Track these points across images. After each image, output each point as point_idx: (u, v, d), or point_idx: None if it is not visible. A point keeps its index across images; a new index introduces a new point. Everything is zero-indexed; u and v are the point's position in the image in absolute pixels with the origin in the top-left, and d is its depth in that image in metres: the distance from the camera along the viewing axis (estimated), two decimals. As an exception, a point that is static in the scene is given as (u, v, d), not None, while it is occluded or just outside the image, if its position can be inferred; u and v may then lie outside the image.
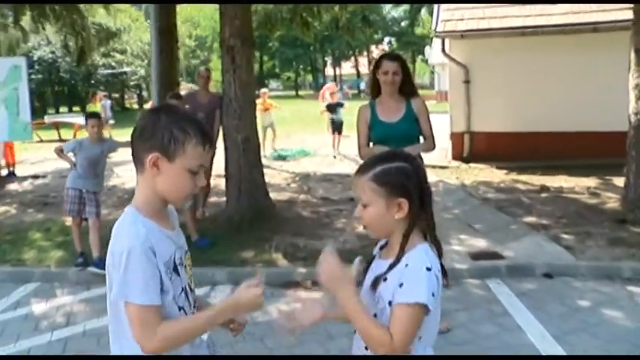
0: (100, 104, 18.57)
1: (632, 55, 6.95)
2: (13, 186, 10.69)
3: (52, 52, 29.17)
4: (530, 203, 7.86)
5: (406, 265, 1.76)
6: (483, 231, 6.61)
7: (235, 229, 6.65)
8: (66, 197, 5.66)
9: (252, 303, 1.74)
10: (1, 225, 7.05)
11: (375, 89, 4.31)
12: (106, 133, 13.25)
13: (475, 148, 11.94)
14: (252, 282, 1.76)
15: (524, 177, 9.84)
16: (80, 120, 16.89)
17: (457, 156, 12.09)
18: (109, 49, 25.54)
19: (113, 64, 31.15)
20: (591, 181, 9.20)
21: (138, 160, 1.72)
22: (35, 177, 11.47)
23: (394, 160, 1.85)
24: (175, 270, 1.73)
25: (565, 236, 6.21)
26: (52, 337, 4.35)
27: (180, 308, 1.73)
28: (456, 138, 12.21)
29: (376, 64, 4.31)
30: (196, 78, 8.04)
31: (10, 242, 6.58)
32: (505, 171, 10.54)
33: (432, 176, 10.30)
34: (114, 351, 1.76)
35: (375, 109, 4.26)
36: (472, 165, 11.40)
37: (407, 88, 4.28)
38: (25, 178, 11.38)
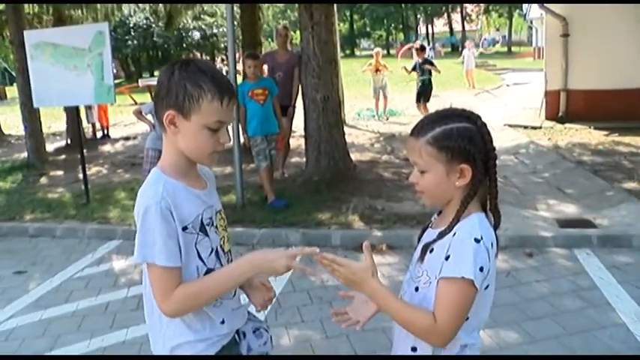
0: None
1: None
2: (106, 147, 11.20)
3: (147, 19, 30.05)
4: (632, 167, 7.22)
5: (454, 234, 1.56)
6: (575, 196, 6.15)
7: (313, 190, 6.58)
8: (145, 157, 5.78)
9: (275, 264, 1.63)
10: (92, 185, 7.35)
11: None
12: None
13: (572, 107, 11.16)
14: (294, 250, 1.67)
15: (626, 138, 9.08)
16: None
17: (552, 116, 11.37)
18: (199, 12, 25.92)
19: (204, 27, 31.69)
20: None
21: (158, 119, 1.68)
22: (127, 139, 11.94)
23: (455, 119, 1.60)
24: (203, 230, 1.67)
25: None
26: (129, 294, 4.48)
27: (209, 270, 1.67)
28: (552, 96, 11.46)
29: None
30: (275, 36, 7.94)
31: (99, 201, 6.86)
32: (604, 132, 9.78)
33: (522, 137, 9.79)
34: (147, 310, 1.73)
35: None
36: (568, 125, 10.69)
37: None
38: (117, 140, 11.88)
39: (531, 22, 39.38)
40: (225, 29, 33.46)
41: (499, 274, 4.37)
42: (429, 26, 59.45)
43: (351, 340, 3.58)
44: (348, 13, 50.27)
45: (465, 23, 55.57)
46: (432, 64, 12.27)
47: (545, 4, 11.42)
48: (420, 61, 12.12)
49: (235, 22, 10.42)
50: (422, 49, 12.59)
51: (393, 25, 57.60)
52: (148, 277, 1.62)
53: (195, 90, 1.59)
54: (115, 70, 8.00)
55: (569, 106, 11.20)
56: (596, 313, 3.80)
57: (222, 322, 1.72)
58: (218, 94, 1.60)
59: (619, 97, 10.52)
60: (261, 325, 1.90)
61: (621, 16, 10.29)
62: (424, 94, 11.90)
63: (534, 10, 24.19)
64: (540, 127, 10.73)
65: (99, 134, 12.19)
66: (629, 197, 5.93)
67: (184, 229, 1.61)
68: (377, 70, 13.29)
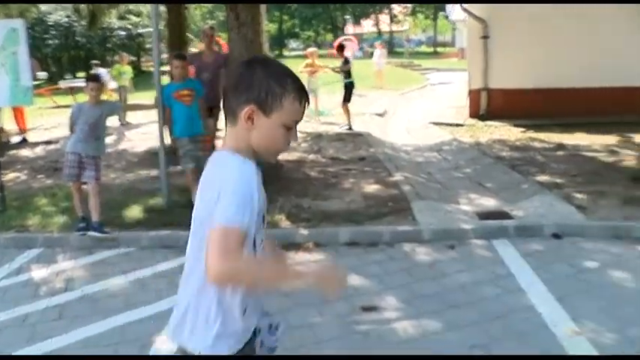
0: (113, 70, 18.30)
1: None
2: (24, 152, 10.73)
3: (68, 17, 28.96)
4: (545, 162, 7.64)
5: None
6: (494, 190, 6.44)
7: (240, 191, 6.56)
8: (65, 162, 5.61)
9: (335, 283, 1.69)
10: (8, 191, 7.04)
11: None
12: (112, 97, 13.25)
13: (492, 105, 11.66)
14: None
15: (541, 135, 9.58)
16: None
17: (474, 114, 11.84)
18: (124, 11, 25.24)
19: (129, 26, 30.88)
20: (610, 139, 8.93)
21: (231, 113, 1.69)
22: (48, 142, 11.48)
23: None
24: (263, 219, 1.73)
25: (578, 195, 6.02)
26: (50, 303, 4.34)
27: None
28: (473, 95, 11.94)
29: None
30: (201, 37, 7.91)
31: (16, 208, 6.58)
32: (522, 129, 10.27)
33: (446, 135, 10.14)
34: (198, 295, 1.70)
35: None
36: (489, 123, 11.15)
37: None
38: (37, 144, 11.41)
39: (455, 24, 40.70)
40: (151, 29, 32.64)
41: (423, 267, 4.56)
42: (357, 27, 60.26)
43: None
44: (277, 14, 50.23)
45: (393, 24, 56.69)
46: (345, 63, 11.75)
47: (465, 7, 11.87)
48: (342, 60, 11.78)
49: (162, 22, 10.28)
50: (341, 48, 12.45)
51: (321, 25, 58.01)
52: (213, 237, 1.55)
53: (280, 89, 1.64)
54: (34, 71, 7.61)
55: (490, 104, 11.70)
56: (511, 299, 4.02)
57: (246, 312, 1.74)
58: (299, 94, 1.67)
59: (536, 95, 11.09)
60: (274, 321, 1.92)
61: (537, 19, 10.82)
62: (346, 94, 11.61)
63: (457, 12, 25.00)
64: (463, 125, 11.13)
65: (17, 139, 11.65)
66: (542, 189, 6.27)
67: (258, 212, 1.65)
68: (313, 71, 13.12)
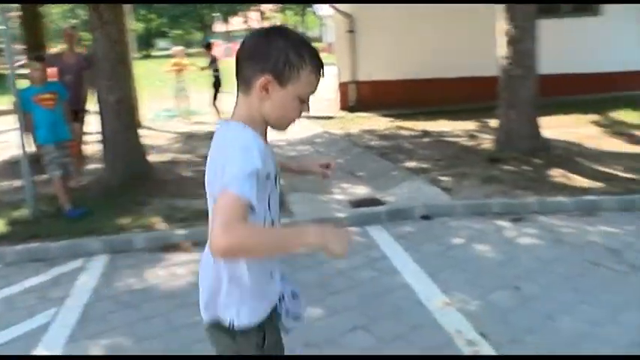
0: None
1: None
2: None
3: None
4: (412, 148, 8.06)
5: None
6: (365, 178, 6.69)
7: (112, 195, 6.33)
8: None
9: (341, 242, 1.52)
10: None
11: None
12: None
13: (361, 97, 12.09)
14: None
15: (407, 123, 10.07)
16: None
17: (344, 106, 12.20)
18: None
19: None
20: (470, 125, 9.58)
21: (244, 82, 1.64)
22: None
23: None
24: (278, 183, 1.73)
25: (443, 178, 6.42)
26: None
27: (273, 221, 1.73)
28: (342, 88, 12.29)
29: None
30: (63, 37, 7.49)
31: None
32: (390, 119, 10.74)
33: (317, 127, 10.36)
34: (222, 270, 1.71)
35: None
36: (358, 114, 11.53)
37: None
38: None
39: (322, 20, 41.53)
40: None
41: (300, 256, 4.65)
42: (226, 25, 59.73)
43: (164, 339, 3.56)
44: (144, 12, 48.46)
45: (263, 21, 56.78)
46: (213, 62, 11.82)
47: (333, 4, 12.20)
48: (210, 59, 11.83)
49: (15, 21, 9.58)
50: (208, 46, 12.41)
51: (190, 24, 56.83)
52: (218, 206, 1.46)
53: (298, 60, 1.60)
54: None
55: (359, 96, 12.12)
56: (387, 280, 4.23)
57: (273, 276, 1.79)
58: (317, 66, 1.63)
59: (402, 86, 11.65)
60: (295, 288, 1.91)
61: (402, 12, 11.34)
62: (214, 92, 11.63)
63: (325, 9, 25.61)
64: (334, 117, 11.43)
65: None
66: (410, 175, 6.63)
67: (267, 176, 1.62)
68: (179, 70, 13.02)
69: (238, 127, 1.64)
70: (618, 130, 8.75)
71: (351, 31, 11.97)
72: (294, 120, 1.71)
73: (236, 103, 1.71)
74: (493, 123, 8.18)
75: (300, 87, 1.63)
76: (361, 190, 6.20)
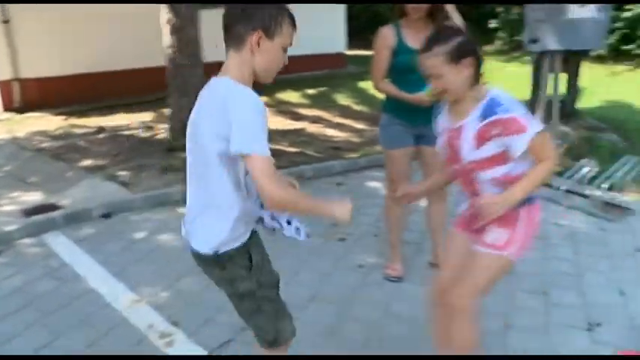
0: None
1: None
2: None
3: None
4: (87, 146, 7.70)
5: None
6: (39, 184, 6.19)
7: None
8: None
9: (345, 210, 1.98)
10: None
11: (400, 9, 3.55)
12: None
13: (27, 96, 10.97)
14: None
15: (81, 121, 9.56)
16: None
17: (8, 107, 10.95)
18: None
19: None
20: (146, 116, 9.54)
21: (237, 40, 1.92)
22: None
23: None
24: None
25: (121, 173, 6.30)
26: None
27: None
28: (3, 87, 11.01)
29: None
30: None
31: None
32: (63, 117, 10.04)
33: (-23, 134, 9.17)
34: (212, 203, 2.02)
35: (400, 32, 3.56)
36: (28, 115, 10.50)
37: (437, 13, 3.49)
38: None
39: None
40: None
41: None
42: None
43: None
44: None
45: None
46: None
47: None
48: None
49: None
50: None
51: None
52: (253, 169, 1.79)
53: (280, 15, 1.92)
54: None
55: (25, 95, 10.99)
56: (70, 288, 4.01)
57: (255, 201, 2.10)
58: (292, 19, 1.97)
59: (73, 82, 10.93)
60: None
61: (61, 8, 10.52)
62: None
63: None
64: (-2, 120, 10.23)
65: None
66: (87, 174, 6.35)
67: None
68: None
69: (234, 84, 1.88)
70: (284, 109, 9.70)
71: (6, 21, 10.73)
72: (279, 69, 2.01)
73: (227, 61, 1.96)
74: (167, 112, 8.29)
75: (283, 38, 1.95)
76: (34, 197, 5.72)
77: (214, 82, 1.96)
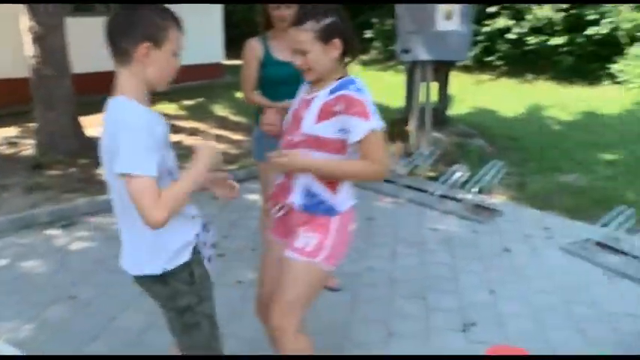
0: None
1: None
2: None
3: None
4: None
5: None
6: None
7: None
8: None
9: (210, 153, 1.97)
10: None
11: (266, 21, 3.54)
12: None
13: None
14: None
15: None
16: None
17: None
18: None
19: None
20: (10, 131, 8.83)
21: (124, 55, 1.85)
22: None
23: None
24: (170, 147, 1.98)
25: (-20, 195, 5.76)
26: None
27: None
28: None
29: None
30: None
31: None
32: None
33: None
34: (126, 231, 2.06)
35: (268, 44, 3.53)
36: None
37: None
38: None
39: None
40: None
41: None
42: None
43: None
44: None
45: None
46: None
47: None
48: None
49: None
50: None
51: None
52: (129, 190, 1.74)
53: (164, 22, 1.86)
54: None
55: None
56: None
57: (193, 217, 2.07)
58: (178, 23, 1.91)
59: None
60: (205, 219, 2.15)
61: None
62: None
63: None
64: None
65: None
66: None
67: (158, 142, 1.84)
68: None
69: (124, 103, 1.83)
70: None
71: None
72: (173, 76, 1.95)
73: (117, 77, 1.88)
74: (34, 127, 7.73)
75: (172, 44, 1.88)
76: None
77: (110, 103, 1.89)
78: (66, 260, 4.45)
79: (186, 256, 2.00)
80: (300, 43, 2.22)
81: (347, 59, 2.32)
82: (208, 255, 2.12)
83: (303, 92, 2.44)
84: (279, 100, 3.41)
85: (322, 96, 2.25)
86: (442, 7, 7.27)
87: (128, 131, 1.75)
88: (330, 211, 2.32)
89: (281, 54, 3.47)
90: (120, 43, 1.84)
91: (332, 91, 2.22)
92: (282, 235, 2.49)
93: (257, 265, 4.29)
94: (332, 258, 2.33)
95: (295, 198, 2.35)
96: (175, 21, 1.90)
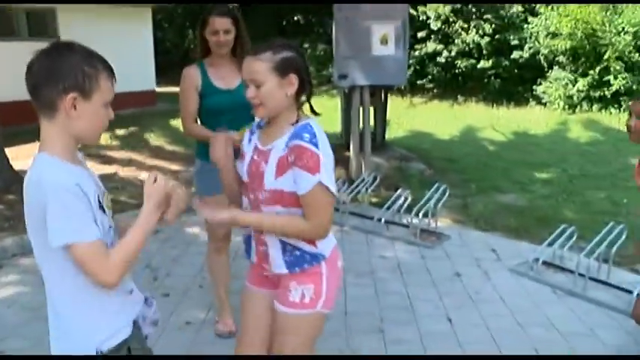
0: None
1: None
2: None
3: None
4: None
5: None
6: None
7: None
8: None
9: (157, 189, 1.75)
10: None
11: (203, 47, 3.36)
12: None
13: None
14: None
15: None
16: None
17: None
18: None
19: None
20: None
21: (47, 106, 1.62)
22: None
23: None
24: (102, 208, 1.71)
25: None
26: None
27: (110, 244, 1.70)
28: None
29: (203, 21, 3.30)
30: None
31: None
32: None
33: None
34: (55, 299, 1.74)
35: (206, 71, 3.34)
36: None
37: (240, 49, 3.33)
38: None
39: None
40: None
41: None
42: None
43: None
44: None
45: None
46: None
47: None
48: None
49: None
50: None
51: None
52: (75, 258, 1.59)
53: (93, 70, 1.63)
54: None
55: None
56: None
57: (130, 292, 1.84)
58: (109, 71, 1.68)
59: None
60: (146, 294, 1.94)
61: None
62: None
63: None
64: None
65: None
66: None
67: (90, 203, 1.63)
68: None
69: (46, 161, 1.62)
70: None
71: None
72: (105, 128, 1.73)
73: (41, 130, 1.67)
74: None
75: (103, 94, 1.66)
76: None
77: (34, 159, 1.67)
78: (-6, 311, 4.04)
79: (124, 333, 1.78)
80: (255, 72, 2.04)
81: (301, 99, 2.16)
82: (148, 332, 1.92)
83: (255, 137, 2.24)
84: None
85: (278, 148, 2.08)
86: (378, 33, 7.35)
87: (54, 196, 1.56)
88: (317, 258, 2.17)
89: (221, 81, 3.33)
90: (42, 91, 1.61)
91: (287, 142, 2.05)
92: (261, 285, 2.35)
93: (206, 303, 4.10)
94: (329, 301, 2.22)
95: (278, 264, 2.18)
96: (106, 67, 1.69)
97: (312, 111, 2.21)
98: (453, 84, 16.98)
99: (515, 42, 15.64)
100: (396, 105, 14.09)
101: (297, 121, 2.10)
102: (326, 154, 2.03)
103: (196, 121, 3.39)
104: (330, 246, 2.24)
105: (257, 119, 2.28)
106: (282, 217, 2.10)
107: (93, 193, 1.67)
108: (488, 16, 16.02)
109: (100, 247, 1.61)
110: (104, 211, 1.72)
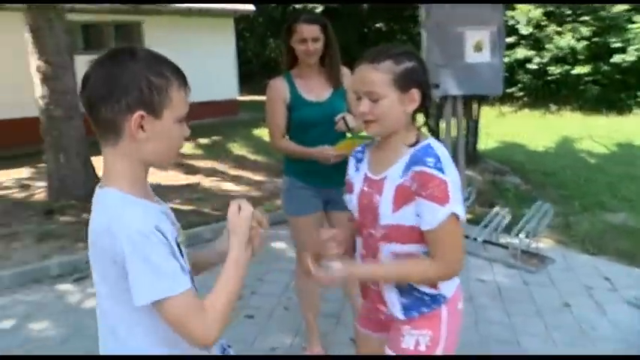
0: None
1: (28, 35, 6.46)
2: None
3: None
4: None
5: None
6: None
7: None
8: None
9: (243, 223, 1.46)
10: None
11: (290, 57, 3.13)
12: None
13: None
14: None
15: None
16: None
17: None
18: None
19: None
20: (23, 172, 8.54)
21: (109, 129, 1.32)
22: None
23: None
24: (179, 248, 1.37)
25: (-6, 244, 5.37)
26: None
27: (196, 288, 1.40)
28: None
29: (289, 29, 3.05)
30: None
31: None
32: None
33: None
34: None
35: (293, 83, 3.13)
36: None
37: (329, 59, 3.12)
38: None
39: None
40: None
41: None
42: None
43: None
44: None
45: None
46: None
47: None
48: None
49: None
50: None
51: None
52: (167, 317, 1.30)
53: (162, 80, 1.31)
54: None
55: None
56: None
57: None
58: (181, 80, 1.36)
59: None
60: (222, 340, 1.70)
61: None
62: None
63: None
64: None
65: None
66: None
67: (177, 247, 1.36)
68: None
69: (117, 200, 1.33)
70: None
71: None
72: (181, 148, 1.44)
73: (105, 160, 1.37)
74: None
75: (175, 109, 1.35)
76: None
77: (99, 196, 1.40)
78: (79, 322, 3.99)
79: None
80: (372, 84, 1.75)
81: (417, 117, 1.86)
82: None
83: (363, 164, 1.95)
84: (309, 144, 3.03)
85: (394, 176, 1.80)
86: (471, 39, 6.95)
87: (133, 247, 1.27)
88: (437, 301, 1.90)
89: (310, 94, 3.11)
90: (100, 112, 1.31)
91: (406, 169, 1.77)
92: (374, 328, 2.10)
93: (292, 326, 3.88)
94: (449, 348, 1.94)
95: (394, 307, 1.92)
96: (177, 75, 1.37)
97: (430, 130, 1.92)
98: (545, 92, 16.12)
99: (616, 45, 14.63)
100: (484, 114, 13.47)
101: (416, 142, 1.81)
102: (453, 181, 1.74)
103: (284, 136, 3.18)
104: (453, 286, 1.95)
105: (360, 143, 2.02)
106: (405, 265, 1.83)
107: (171, 233, 1.38)
108: (586, 17, 15.10)
109: (194, 299, 1.34)
110: (182, 253, 1.41)
